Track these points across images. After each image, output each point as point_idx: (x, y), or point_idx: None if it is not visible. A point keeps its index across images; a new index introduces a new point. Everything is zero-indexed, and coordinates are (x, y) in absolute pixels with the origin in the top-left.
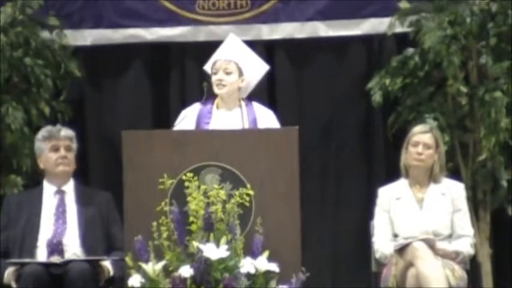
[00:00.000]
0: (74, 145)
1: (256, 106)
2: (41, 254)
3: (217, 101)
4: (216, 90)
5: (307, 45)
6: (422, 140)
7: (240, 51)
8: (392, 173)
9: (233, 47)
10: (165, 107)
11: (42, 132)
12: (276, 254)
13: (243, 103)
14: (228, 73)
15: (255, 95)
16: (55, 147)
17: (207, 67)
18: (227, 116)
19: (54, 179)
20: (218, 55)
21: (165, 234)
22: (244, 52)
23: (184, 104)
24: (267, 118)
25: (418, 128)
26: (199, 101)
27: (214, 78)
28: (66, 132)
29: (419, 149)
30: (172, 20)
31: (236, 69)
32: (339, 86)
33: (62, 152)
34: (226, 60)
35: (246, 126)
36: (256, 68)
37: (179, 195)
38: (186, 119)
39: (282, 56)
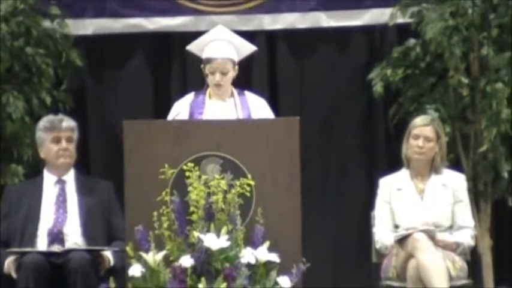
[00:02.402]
0: (75, 136)
1: (249, 95)
2: (42, 244)
3: (209, 90)
4: (214, 90)
5: (308, 36)
6: (423, 134)
7: (230, 42)
8: (393, 164)
9: (225, 40)
10: (166, 96)
11: (43, 122)
12: (276, 244)
13: (235, 92)
14: (225, 73)
15: (255, 86)
16: (56, 138)
17: (196, 49)
18: (220, 106)
19: (55, 169)
20: (213, 53)
21: (165, 224)
22: (235, 41)
23: (185, 94)
24: (260, 107)
25: (418, 120)
26: (198, 90)
27: (211, 78)
28: (67, 123)
29: (420, 142)
30: (174, 9)
31: (231, 64)
32: (340, 76)
33: (63, 144)
34: (223, 60)
35: (240, 115)
36: (245, 51)
37: (180, 185)
38: (180, 116)
39: (284, 46)
